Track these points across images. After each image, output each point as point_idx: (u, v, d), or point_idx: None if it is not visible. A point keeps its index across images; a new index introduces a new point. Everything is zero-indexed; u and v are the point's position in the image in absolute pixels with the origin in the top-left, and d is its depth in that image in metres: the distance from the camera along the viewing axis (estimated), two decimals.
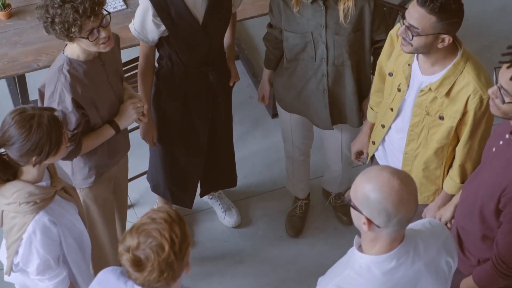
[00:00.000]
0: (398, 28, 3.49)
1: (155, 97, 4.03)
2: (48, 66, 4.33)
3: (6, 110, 5.07)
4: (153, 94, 4.02)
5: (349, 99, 3.96)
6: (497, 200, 3.09)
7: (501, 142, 3.08)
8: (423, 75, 3.38)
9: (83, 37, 3.31)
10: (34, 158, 3.00)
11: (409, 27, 3.22)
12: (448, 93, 3.33)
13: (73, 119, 3.41)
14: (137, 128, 4.53)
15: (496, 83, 2.90)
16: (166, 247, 2.45)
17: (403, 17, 3.26)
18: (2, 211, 3.14)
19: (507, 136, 3.04)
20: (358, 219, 2.58)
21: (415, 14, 3.20)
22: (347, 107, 4.00)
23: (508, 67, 2.84)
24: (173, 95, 3.98)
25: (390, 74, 3.52)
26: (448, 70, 3.31)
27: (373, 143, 3.77)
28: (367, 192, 2.52)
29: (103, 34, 3.34)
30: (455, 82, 3.32)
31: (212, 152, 4.27)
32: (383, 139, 3.72)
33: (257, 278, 4.51)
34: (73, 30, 3.26)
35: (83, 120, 3.47)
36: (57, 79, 3.41)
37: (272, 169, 4.96)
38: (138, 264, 2.46)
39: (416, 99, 3.41)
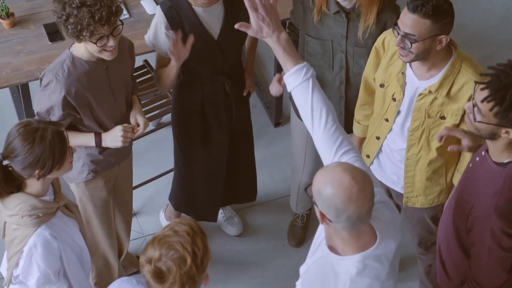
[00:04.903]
0: (382, 40, 3.51)
1: (173, 107, 4.05)
2: None
3: (9, 119, 5.11)
4: (173, 106, 4.05)
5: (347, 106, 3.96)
6: (466, 219, 3.08)
7: (477, 159, 3.09)
8: (420, 81, 3.40)
9: (92, 42, 3.34)
10: (37, 172, 3.01)
11: (405, 36, 3.23)
12: (448, 93, 3.36)
13: (57, 113, 3.45)
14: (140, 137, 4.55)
15: (473, 99, 2.90)
16: (188, 260, 2.47)
17: (396, 27, 3.27)
18: (5, 222, 3.14)
19: (483, 153, 3.05)
20: (316, 212, 2.67)
21: (408, 22, 3.21)
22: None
23: (481, 89, 2.84)
24: (190, 105, 3.99)
25: (382, 86, 3.53)
26: (446, 71, 3.34)
27: (368, 156, 3.77)
28: (320, 187, 2.60)
29: (111, 42, 3.37)
30: (454, 81, 3.35)
31: (233, 163, 4.25)
32: (380, 151, 3.72)
33: (260, 287, 4.51)
34: (84, 33, 3.29)
35: (68, 119, 3.50)
36: (56, 71, 3.45)
37: (275, 178, 4.96)
38: (159, 275, 2.48)
39: (415, 103, 3.42)
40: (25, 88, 4.56)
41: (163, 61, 3.84)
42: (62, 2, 3.32)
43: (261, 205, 4.87)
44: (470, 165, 3.14)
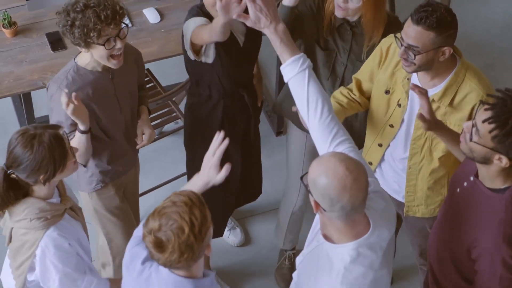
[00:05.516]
0: (389, 43, 3.48)
1: (187, 123, 4.02)
2: None
3: (11, 127, 5.11)
4: (189, 122, 4.01)
5: (360, 121, 3.94)
6: (466, 248, 3.06)
7: (465, 184, 3.07)
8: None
9: (99, 44, 3.34)
10: (41, 177, 3.02)
11: (408, 47, 3.23)
12: (451, 102, 3.35)
13: (65, 124, 3.45)
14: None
15: (473, 118, 2.89)
16: (186, 230, 2.54)
17: (399, 38, 3.26)
18: (12, 228, 3.15)
19: (471, 178, 3.03)
20: (311, 201, 2.71)
21: (412, 33, 3.20)
22: (355, 130, 3.96)
23: (486, 109, 2.83)
24: (207, 122, 3.93)
25: (387, 92, 3.52)
26: (450, 80, 3.33)
27: (370, 163, 3.77)
28: (315, 176, 2.64)
29: (119, 44, 3.38)
30: (457, 90, 3.34)
31: (244, 174, 4.22)
32: (382, 159, 3.72)
33: None
34: (91, 34, 3.30)
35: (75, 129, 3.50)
36: (60, 81, 3.46)
37: (276, 187, 4.96)
38: (159, 245, 2.56)
39: (418, 111, 3.42)
40: (27, 97, 4.56)
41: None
42: (65, 10, 3.35)
43: (262, 214, 4.86)
44: (458, 190, 3.11)
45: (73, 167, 3.13)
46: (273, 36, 2.92)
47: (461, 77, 3.34)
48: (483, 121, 2.81)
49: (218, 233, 4.35)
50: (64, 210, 3.18)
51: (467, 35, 5.86)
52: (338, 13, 3.61)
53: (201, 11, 3.67)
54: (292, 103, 3.74)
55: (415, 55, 3.22)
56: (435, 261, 3.31)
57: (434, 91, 3.38)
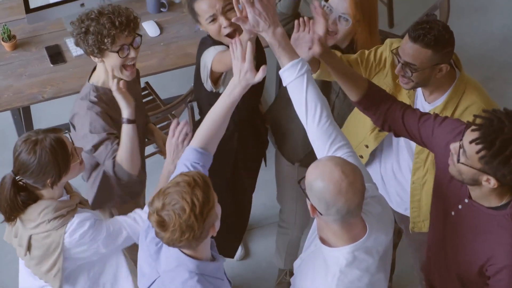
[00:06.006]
0: (380, 53, 3.46)
1: None
2: (53, 98, 4.35)
3: (10, 140, 5.10)
4: None
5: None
6: (478, 268, 3.05)
7: (460, 207, 3.06)
8: (425, 101, 3.40)
9: (113, 51, 3.35)
10: (48, 181, 3.08)
11: (405, 65, 3.22)
12: (452, 115, 3.35)
13: (108, 144, 3.42)
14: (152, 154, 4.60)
15: (461, 140, 2.88)
16: (187, 210, 2.59)
17: (397, 55, 3.25)
18: (29, 236, 3.18)
19: (466, 200, 3.02)
20: (308, 205, 2.73)
21: (410, 51, 3.19)
22: None
23: (472, 130, 2.82)
24: (222, 156, 3.66)
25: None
26: (450, 94, 3.33)
27: (366, 146, 3.69)
28: (311, 180, 2.67)
29: (132, 53, 3.40)
30: (458, 103, 3.34)
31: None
32: (385, 173, 3.70)
33: None
34: (105, 41, 3.31)
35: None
36: (85, 107, 3.42)
37: (275, 200, 4.94)
38: (162, 224, 2.61)
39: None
40: (26, 110, 4.56)
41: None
42: (79, 19, 3.38)
43: (261, 228, 4.86)
44: (453, 213, 3.09)
45: (79, 168, 3.18)
46: (272, 40, 2.94)
47: (461, 90, 3.33)
48: (470, 142, 2.80)
49: (229, 254, 4.33)
50: (76, 205, 3.23)
51: (466, 48, 5.87)
52: (327, 41, 3.44)
53: (214, 41, 3.63)
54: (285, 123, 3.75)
55: (412, 73, 3.22)
56: (437, 280, 3.31)
57: (435, 105, 3.37)
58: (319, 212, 2.69)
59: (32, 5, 4.46)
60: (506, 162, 2.75)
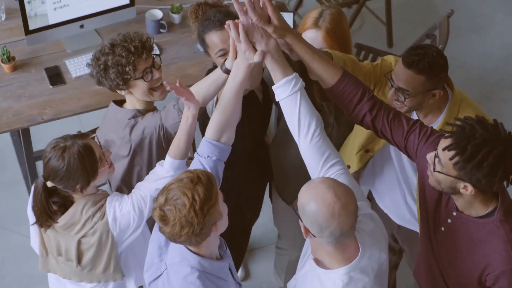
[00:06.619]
0: (389, 66, 3.44)
1: None
2: (52, 119, 4.34)
3: (9, 161, 5.09)
4: None
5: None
6: (477, 279, 3.06)
7: (449, 221, 3.07)
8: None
9: (138, 78, 3.34)
10: (77, 186, 3.15)
11: (398, 89, 3.22)
12: None
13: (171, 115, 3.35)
14: None
15: (436, 149, 2.90)
16: (187, 205, 2.64)
17: (390, 80, 3.24)
18: (77, 241, 3.24)
19: (454, 213, 3.03)
20: (301, 227, 2.73)
21: (403, 77, 3.19)
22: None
23: (445, 137, 2.85)
24: (226, 187, 3.52)
25: None
26: (445, 116, 3.34)
27: (367, 151, 3.68)
28: (303, 202, 2.68)
29: (156, 74, 3.40)
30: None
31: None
32: (393, 186, 3.70)
33: None
34: (127, 70, 3.30)
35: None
36: (137, 128, 3.39)
37: None
38: (163, 218, 2.69)
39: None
40: (25, 131, 4.55)
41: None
42: (94, 58, 3.38)
43: (262, 248, 4.85)
44: (443, 228, 3.10)
45: (107, 172, 3.23)
46: (264, 50, 2.92)
47: (455, 110, 3.34)
48: (443, 149, 2.83)
49: None
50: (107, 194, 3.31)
51: (465, 68, 5.87)
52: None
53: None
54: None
55: (405, 98, 3.21)
56: None
57: (433, 126, 3.37)
58: (312, 234, 2.69)
59: (32, 26, 4.46)
60: (479, 166, 2.78)
